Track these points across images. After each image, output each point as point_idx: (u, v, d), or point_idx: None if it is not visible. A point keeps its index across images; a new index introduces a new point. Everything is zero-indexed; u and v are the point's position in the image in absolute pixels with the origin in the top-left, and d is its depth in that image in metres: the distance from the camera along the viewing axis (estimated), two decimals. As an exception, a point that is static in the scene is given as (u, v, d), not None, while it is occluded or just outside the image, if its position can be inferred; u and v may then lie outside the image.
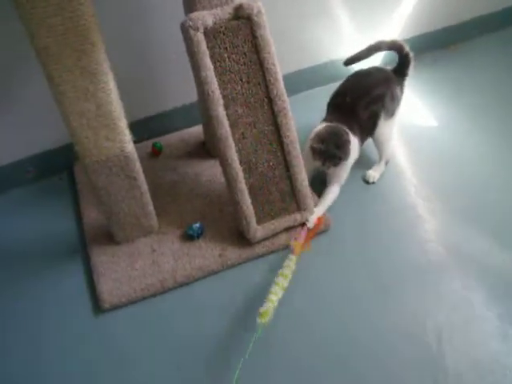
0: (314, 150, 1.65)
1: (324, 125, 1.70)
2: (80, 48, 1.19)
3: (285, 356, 1.39)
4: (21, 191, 1.90)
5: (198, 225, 1.63)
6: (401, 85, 1.84)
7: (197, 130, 1.98)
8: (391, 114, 1.79)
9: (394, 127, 1.84)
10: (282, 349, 1.41)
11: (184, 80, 1.88)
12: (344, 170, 1.72)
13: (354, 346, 1.41)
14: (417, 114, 2.12)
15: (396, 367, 1.37)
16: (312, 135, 1.68)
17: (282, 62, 2.04)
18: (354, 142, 1.69)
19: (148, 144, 1.94)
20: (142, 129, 1.96)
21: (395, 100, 1.79)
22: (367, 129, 1.77)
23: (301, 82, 2.19)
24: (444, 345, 1.41)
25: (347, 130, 1.68)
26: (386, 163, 1.86)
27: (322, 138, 1.64)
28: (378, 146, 1.82)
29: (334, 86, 2.23)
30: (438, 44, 2.38)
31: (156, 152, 1.91)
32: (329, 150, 1.63)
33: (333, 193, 1.73)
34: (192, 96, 1.90)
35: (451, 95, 2.19)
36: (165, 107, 1.98)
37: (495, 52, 2.41)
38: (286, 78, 2.09)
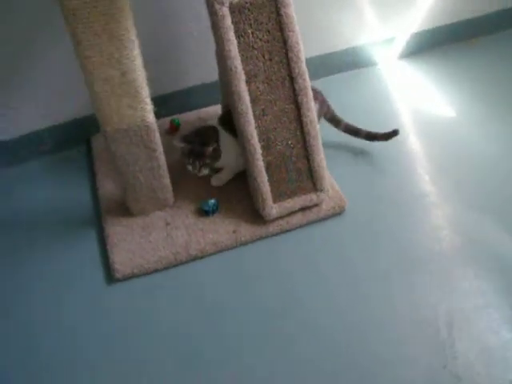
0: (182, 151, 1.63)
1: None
2: (108, 12, 1.20)
3: (289, 347, 1.39)
4: (38, 162, 1.90)
5: (213, 201, 1.63)
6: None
7: (214, 110, 1.98)
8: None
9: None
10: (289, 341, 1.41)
11: (205, 59, 1.88)
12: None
13: (364, 331, 1.41)
14: (435, 104, 2.11)
15: (406, 351, 1.37)
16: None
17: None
18: None
19: (165, 121, 1.94)
20: (160, 105, 1.95)
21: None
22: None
23: (319, 67, 2.18)
24: (455, 331, 1.40)
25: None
26: None
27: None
28: None
29: (352, 74, 2.24)
30: (459, 37, 2.35)
31: (173, 128, 1.91)
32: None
33: None
34: (212, 75, 1.90)
35: (471, 88, 2.17)
36: (184, 85, 1.98)
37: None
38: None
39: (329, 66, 2.19)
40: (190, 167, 1.64)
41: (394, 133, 1.79)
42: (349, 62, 2.23)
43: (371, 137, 1.83)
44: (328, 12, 2.06)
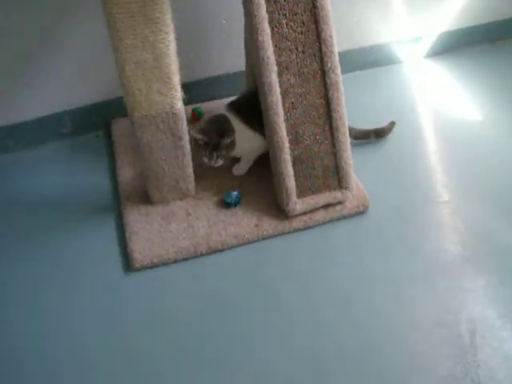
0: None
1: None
2: (144, -7, 1.17)
3: (305, 347, 1.36)
4: (56, 145, 1.88)
5: (236, 193, 1.60)
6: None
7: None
8: None
9: None
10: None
11: (230, 48, 1.86)
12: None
13: (387, 332, 1.39)
14: (460, 106, 2.07)
15: (428, 357, 1.35)
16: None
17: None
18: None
19: (187, 109, 1.90)
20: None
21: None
22: None
23: (342, 63, 2.15)
24: (477, 338, 1.38)
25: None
26: None
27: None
28: None
29: (375, 71, 2.21)
30: (490, 38, 2.28)
31: (196, 117, 1.88)
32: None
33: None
34: (237, 65, 1.87)
35: (499, 91, 2.12)
36: (208, 74, 1.95)
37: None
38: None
39: (352, 62, 2.16)
40: (205, 159, 1.60)
41: (392, 124, 1.87)
42: (373, 59, 2.19)
43: (380, 134, 1.86)
44: (355, 9, 2.03)
